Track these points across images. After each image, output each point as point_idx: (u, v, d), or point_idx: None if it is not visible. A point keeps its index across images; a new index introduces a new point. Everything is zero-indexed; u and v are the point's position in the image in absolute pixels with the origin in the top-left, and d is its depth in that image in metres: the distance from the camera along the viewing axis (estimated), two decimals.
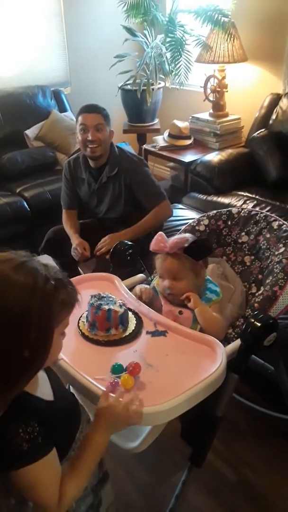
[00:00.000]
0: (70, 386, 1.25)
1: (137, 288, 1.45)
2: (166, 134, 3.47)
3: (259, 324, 1.14)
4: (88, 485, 1.05)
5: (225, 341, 1.33)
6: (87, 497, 1.07)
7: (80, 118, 2.13)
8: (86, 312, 1.28)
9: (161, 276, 1.36)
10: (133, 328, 1.28)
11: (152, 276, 1.59)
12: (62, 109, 3.58)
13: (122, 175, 2.19)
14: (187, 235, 1.43)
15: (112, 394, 1.00)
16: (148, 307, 1.36)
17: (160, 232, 1.39)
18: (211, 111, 3.38)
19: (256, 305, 1.33)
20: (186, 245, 1.30)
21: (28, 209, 2.92)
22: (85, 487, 0.95)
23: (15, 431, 0.81)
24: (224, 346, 1.19)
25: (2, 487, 0.93)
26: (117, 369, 1.09)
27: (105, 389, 1.01)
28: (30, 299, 0.81)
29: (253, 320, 1.15)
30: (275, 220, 1.48)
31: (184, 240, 1.30)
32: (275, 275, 1.35)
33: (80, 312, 1.32)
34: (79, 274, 2.12)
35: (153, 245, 1.36)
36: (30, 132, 3.35)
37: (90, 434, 0.95)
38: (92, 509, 1.09)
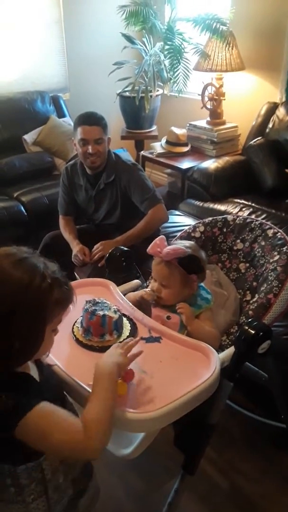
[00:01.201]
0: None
1: (140, 292, 1.45)
2: (163, 141, 3.49)
3: (253, 332, 1.14)
4: (70, 476, 1.06)
5: (219, 348, 1.33)
6: (68, 489, 1.07)
7: (79, 130, 2.11)
8: (81, 317, 1.28)
9: (153, 276, 1.38)
10: (128, 334, 1.28)
11: (147, 282, 1.60)
12: (61, 114, 3.60)
13: (118, 181, 2.20)
14: (187, 243, 1.41)
15: None
16: (142, 313, 1.36)
17: (162, 236, 1.39)
18: (208, 118, 3.40)
19: (250, 312, 1.33)
20: (181, 255, 1.30)
21: (25, 214, 2.93)
22: (107, 414, 0.91)
23: None
24: (218, 353, 1.19)
25: (1, 480, 0.96)
26: None
27: None
28: (23, 295, 0.83)
29: (247, 328, 1.15)
30: (270, 228, 1.49)
31: (179, 251, 1.30)
32: (269, 282, 1.35)
33: (74, 318, 1.32)
34: (75, 279, 2.13)
35: (150, 248, 1.36)
36: (29, 137, 3.36)
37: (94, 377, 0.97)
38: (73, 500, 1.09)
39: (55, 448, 0.88)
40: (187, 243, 1.42)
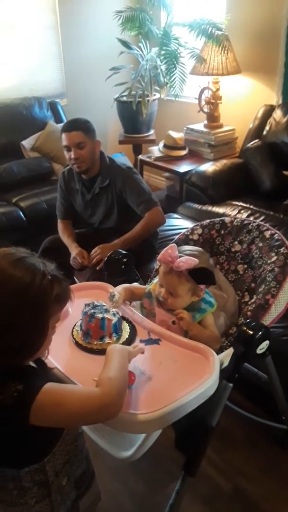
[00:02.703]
0: None
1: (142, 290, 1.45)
2: (161, 145, 3.50)
3: (251, 332, 1.15)
4: (72, 478, 1.07)
5: (219, 349, 1.33)
6: (71, 492, 1.08)
7: (62, 137, 2.16)
8: (80, 320, 1.29)
9: (160, 284, 1.37)
10: (127, 336, 1.28)
11: (148, 284, 1.60)
12: (58, 120, 3.62)
13: (113, 185, 2.21)
14: (196, 251, 1.39)
15: None
16: (142, 316, 1.36)
17: (173, 245, 1.35)
18: (205, 122, 3.42)
19: (249, 313, 1.34)
20: (192, 267, 1.29)
21: (24, 219, 2.94)
22: (120, 374, 0.94)
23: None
24: (217, 354, 1.20)
25: (4, 484, 0.97)
26: None
27: None
28: (26, 294, 0.85)
29: (245, 328, 1.16)
30: (267, 230, 1.50)
31: (192, 264, 1.29)
32: (267, 283, 1.36)
33: (74, 321, 1.33)
34: (74, 283, 2.13)
35: (161, 256, 1.33)
36: (27, 143, 3.37)
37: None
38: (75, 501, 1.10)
39: (73, 416, 0.88)
40: (196, 251, 1.39)
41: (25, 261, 0.88)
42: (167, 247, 1.33)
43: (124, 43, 3.45)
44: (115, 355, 1.00)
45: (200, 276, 1.29)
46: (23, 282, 0.85)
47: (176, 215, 2.90)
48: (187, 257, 1.30)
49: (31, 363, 0.98)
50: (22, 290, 0.85)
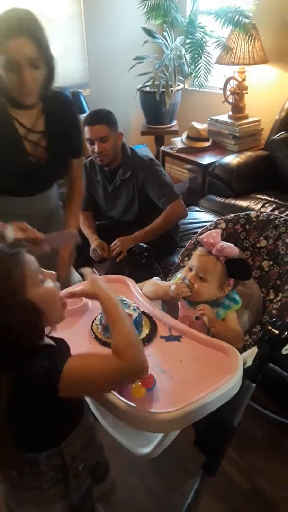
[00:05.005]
0: None
1: (166, 287, 1.41)
2: (184, 136, 3.45)
3: (277, 332, 1.10)
4: (88, 463, 1.09)
5: (242, 348, 1.30)
6: (87, 478, 1.10)
7: (85, 130, 2.12)
8: (100, 314, 1.27)
9: (191, 267, 1.32)
10: (147, 332, 1.26)
11: (168, 279, 1.57)
12: (81, 110, 3.58)
13: (135, 177, 2.18)
14: (236, 249, 1.33)
15: (117, 395, 1.00)
16: (162, 312, 1.33)
17: (218, 230, 1.35)
18: (230, 113, 3.34)
19: (274, 311, 1.29)
20: (231, 256, 1.27)
21: None
22: (131, 337, 0.92)
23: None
24: (241, 353, 1.16)
25: (20, 468, 0.99)
26: None
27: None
28: None
29: (270, 327, 1.11)
30: None
31: (233, 252, 1.26)
32: None
33: (94, 315, 1.31)
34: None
35: (204, 236, 1.30)
36: None
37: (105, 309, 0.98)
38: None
39: (101, 383, 0.89)
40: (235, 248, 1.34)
41: None
42: (212, 230, 1.30)
43: (149, 32, 3.39)
44: (113, 308, 0.96)
45: (236, 267, 1.26)
46: None
47: (198, 208, 2.85)
48: (231, 244, 1.27)
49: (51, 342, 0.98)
50: None
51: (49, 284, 0.92)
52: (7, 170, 1.50)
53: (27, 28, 1.37)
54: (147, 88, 3.42)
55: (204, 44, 3.10)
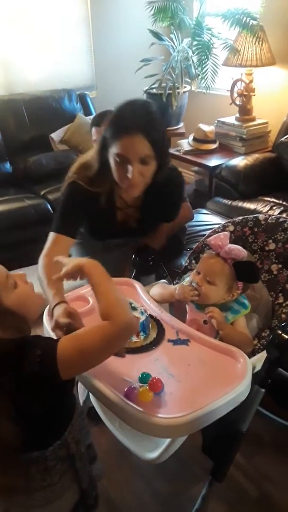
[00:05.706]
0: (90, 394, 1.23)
1: (172, 289, 1.39)
2: (191, 138, 3.43)
3: (286, 337, 1.09)
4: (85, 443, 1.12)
5: (250, 352, 1.28)
6: (87, 457, 1.13)
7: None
8: None
9: (198, 270, 1.31)
10: (155, 336, 1.25)
11: (174, 282, 1.56)
12: (88, 112, 3.60)
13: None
14: (244, 252, 1.32)
15: (124, 399, 1.00)
16: (170, 315, 1.32)
17: (226, 233, 1.33)
18: (237, 115, 3.33)
19: (283, 316, 1.28)
20: (239, 258, 1.25)
21: (52, 212, 2.93)
22: (115, 296, 0.93)
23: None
24: (249, 358, 1.15)
25: (25, 471, 0.98)
26: (145, 379, 1.05)
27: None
28: None
29: (280, 332, 1.10)
30: None
31: (241, 254, 1.25)
32: None
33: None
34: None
35: (212, 239, 1.30)
36: (56, 135, 3.37)
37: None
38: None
39: (98, 351, 0.91)
40: (244, 251, 1.33)
41: None
42: (220, 233, 1.29)
43: (156, 34, 3.39)
44: (103, 279, 0.96)
45: (244, 270, 1.25)
46: None
47: (204, 211, 2.84)
48: (239, 246, 1.26)
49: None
50: None
51: (22, 285, 0.95)
52: (99, 229, 1.60)
53: (143, 126, 1.31)
54: (154, 90, 3.41)
55: (211, 46, 3.09)
